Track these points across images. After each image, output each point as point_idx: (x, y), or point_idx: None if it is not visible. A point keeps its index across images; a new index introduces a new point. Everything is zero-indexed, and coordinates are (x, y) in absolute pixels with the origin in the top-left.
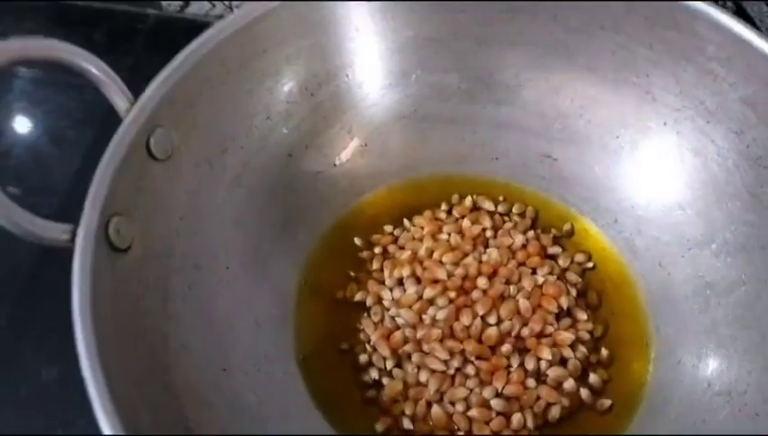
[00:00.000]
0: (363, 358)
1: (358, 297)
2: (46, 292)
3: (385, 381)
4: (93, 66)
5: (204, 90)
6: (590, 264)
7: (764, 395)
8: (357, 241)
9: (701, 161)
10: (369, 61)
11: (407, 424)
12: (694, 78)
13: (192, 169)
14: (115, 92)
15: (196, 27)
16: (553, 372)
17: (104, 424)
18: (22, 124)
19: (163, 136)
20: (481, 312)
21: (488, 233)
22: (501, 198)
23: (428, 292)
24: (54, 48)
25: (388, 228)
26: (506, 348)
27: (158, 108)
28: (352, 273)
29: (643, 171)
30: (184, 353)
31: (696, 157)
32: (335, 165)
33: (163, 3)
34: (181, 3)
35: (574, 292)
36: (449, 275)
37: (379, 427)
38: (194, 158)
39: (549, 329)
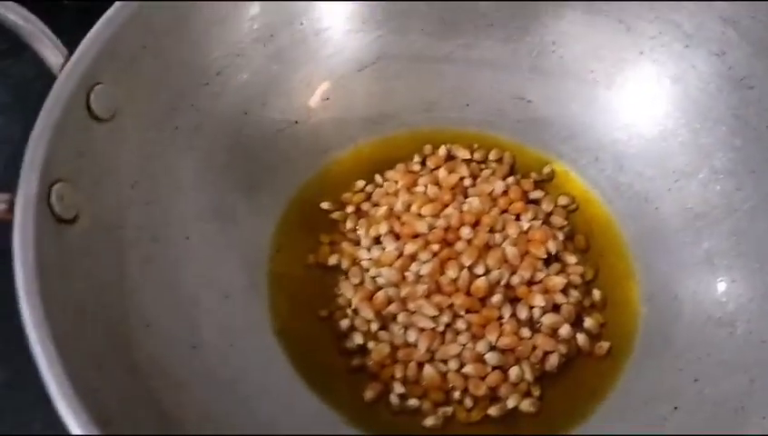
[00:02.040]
0: (345, 323)
1: (332, 260)
2: None
3: (371, 345)
4: (19, 17)
5: (148, 42)
6: (574, 207)
7: None
8: (325, 204)
9: (681, 88)
10: (326, 6)
11: (398, 388)
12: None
13: (139, 131)
14: (47, 46)
15: None
16: (547, 320)
17: (67, 415)
18: None
19: (105, 94)
20: (468, 263)
21: (467, 182)
22: (476, 146)
23: (410, 248)
24: None
25: (360, 184)
26: (496, 298)
27: (96, 62)
28: (324, 238)
29: (621, 104)
30: (148, 332)
31: (676, 84)
32: (296, 122)
33: None
34: None
35: (561, 236)
36: (430, 228)
37: (369, 394)
38: (141, 119)
39: (539, 275)
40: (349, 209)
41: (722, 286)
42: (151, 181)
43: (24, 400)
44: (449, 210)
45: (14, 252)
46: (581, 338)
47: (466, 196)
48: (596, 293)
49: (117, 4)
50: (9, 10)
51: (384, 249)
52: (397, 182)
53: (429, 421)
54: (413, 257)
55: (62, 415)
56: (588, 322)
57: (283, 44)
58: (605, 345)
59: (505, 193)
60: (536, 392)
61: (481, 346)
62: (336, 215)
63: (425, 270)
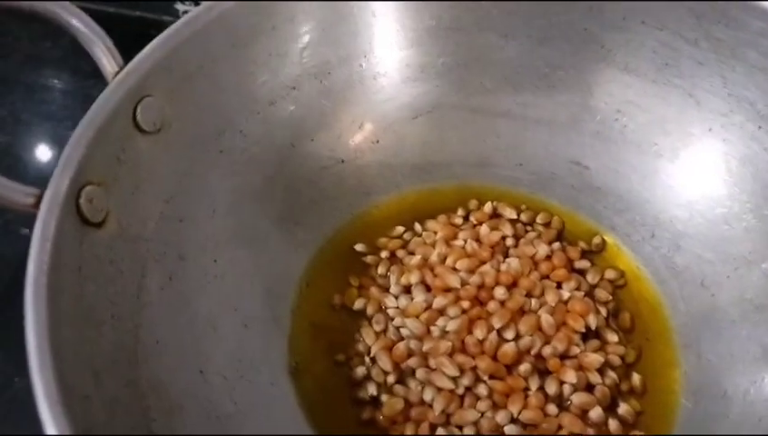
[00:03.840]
0: (360, 371)
1: (357, 304)
2: None
3: (384, 398)
4: (79, 21)
5: (205, 63)
6: (622, 282)
7: None
8: (359, 247)
9: (750, 170)
10: (387, 51)
11: None
12: (745, 78)
13: (183, 148)
14: (103, 51)
15: None
16: (578, 399)
17: (47, 418)
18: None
19: (153, 107)
20: (497, 326)
21: (509, 242)
22: (524, 207)
23: (439, 301)
24: None
25: (399, 230)
26: (524, 368)
27: (150, 74)
28: (353, 281)
29: (684, 181)
30: (155, 349)
31: (745, 166)
32: (342, 161)
33: (179, 8)
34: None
35: (604, 312)
36: (463, 284)
37: None
38: (187, 136)
39: (575, 350)
40: (384, 254)
41: None
42: (186, 198)
43: None
44: (486, 267)
45: (31, 245)
46: (613, 424)
47: (506, 256)
48: (636, 378)
49: (179, 22)
50: (70, 13)
51: (413, 299)
52: (436, 233)
53: None
54: (441, 311)
55: (41, 416)
56: (623, 408)
57: (339, 82)
58: (638, 435)
59: (548, 257)
60: None
61: (501, 417)
62: (369, 259)
63: (451, 326)
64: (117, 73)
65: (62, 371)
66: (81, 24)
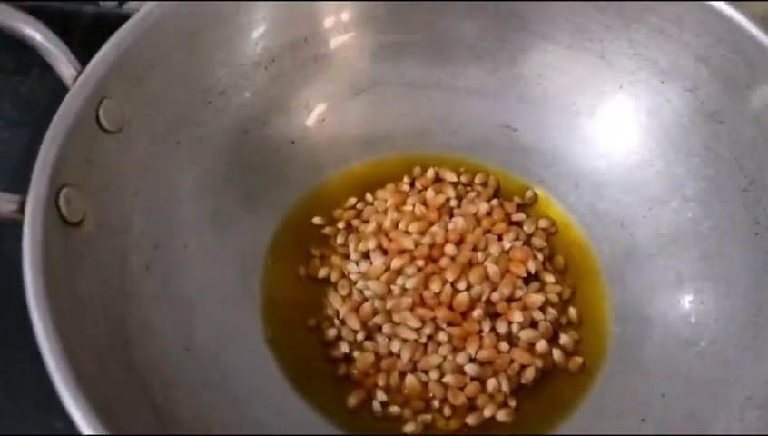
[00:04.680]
0: (332, 333)
1: (322, 273)
2: None
3: (356, 354)
4: (37, 32)
5: (155, 61)
6: (554, 230)
7: (732, 342)
8: (317, 220)
9: (657, 120)
10: (325, 35)
11: (381, 396)
12: (647, 39)
13: (144, 144)
14: (61, 60)
15: None
16: (525, 335)
17: (68, 399)
18: None
19: (113, 108)
20: (451, 279)
21: (453, 203)
22: (462, 169)
23: (396, 262)
24: None
25: (351, 201)
26: (477, 313)
27: (107, 77)
28: (315, 251)
29: (600, 135)
30: (145, 333)
31: (652, 117)
32: (293, 142)
33: None
34: None
35: (540, 257)
36: (416, 244)
37: (352, 401)
38: (147, 133)
39: (519, 293)
40: (340, 225)
41: (691, 307)
42: (152, 190)
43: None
44: (435, 228)
45: (24, 250)
46: (557, 353)
47: (451, 216)
48: (573, 312)
49: (128, 23)
50: (28, 25)
51: (372, 263)
52: (386, 200)
53: (410, 428)
54: (399, 271)
55: (63, 399)
56: (564, 339)
57: (283, 67)
58: (579, 361)
59: (488, 214)
60: (512, 403)
61: (461, 358)
62: (327, 230)
63: (410, 284)
64: (77, 77)
65: (74, 363)
66: (36, 33)
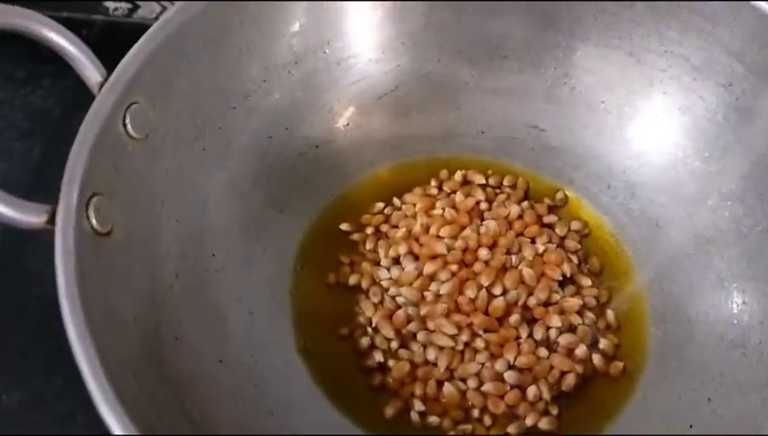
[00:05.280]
0: (365, 341)
1: (352, 280)
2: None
3: (391, 363)
4: (63, 37)
5: (181, 65)
6: (587, 231)
7: None
8: (344, 226)
9: (690, 118)
10: (348, 36)
11: (418, 406)
12: (679, 35)
13: (170, 150)
14: (85, 65)
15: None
16: (564, 340)
17: (109, 417)
18: None
19: (140, 114)
20: (486, 284)
21: (483, 206)
22: (490, 172)
23: (429, 268)
24: (13, 14)
25: (379, 206)
26: (514, 318)
27: (133, 82)
28: (344, 258)
29: (632, 134)
30: (178, 345)
31: (685, 115)
32: (317, 147)
33: (109, 6)
34: (128, 6)
35: (575, 260)
36: (449, 249)
37: (390, 411)
38: (173, 139)
39: (555, 297)
40: (369, 230)
41: (734, 308)
42: (179, 199)
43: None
44: (467, 232)
45: (56, 260)
46: (596, 358)
47: (482, 219)
48: (611, 315)
49: (154, 27)
50: (53, 30)
51: (403, 269)
52: (415, 204)
53: None
54: (432, 277)
55: (103, 416)
56: (603, 343)
57: (306, 71)
58: (619, 365)
59: (520, 217)
60: (554, 411)
61: (500, 365)
62: (356, 237)
63: (444, 289)
64: (102, 83)
65: (112, 378)
66: (61, 39)
